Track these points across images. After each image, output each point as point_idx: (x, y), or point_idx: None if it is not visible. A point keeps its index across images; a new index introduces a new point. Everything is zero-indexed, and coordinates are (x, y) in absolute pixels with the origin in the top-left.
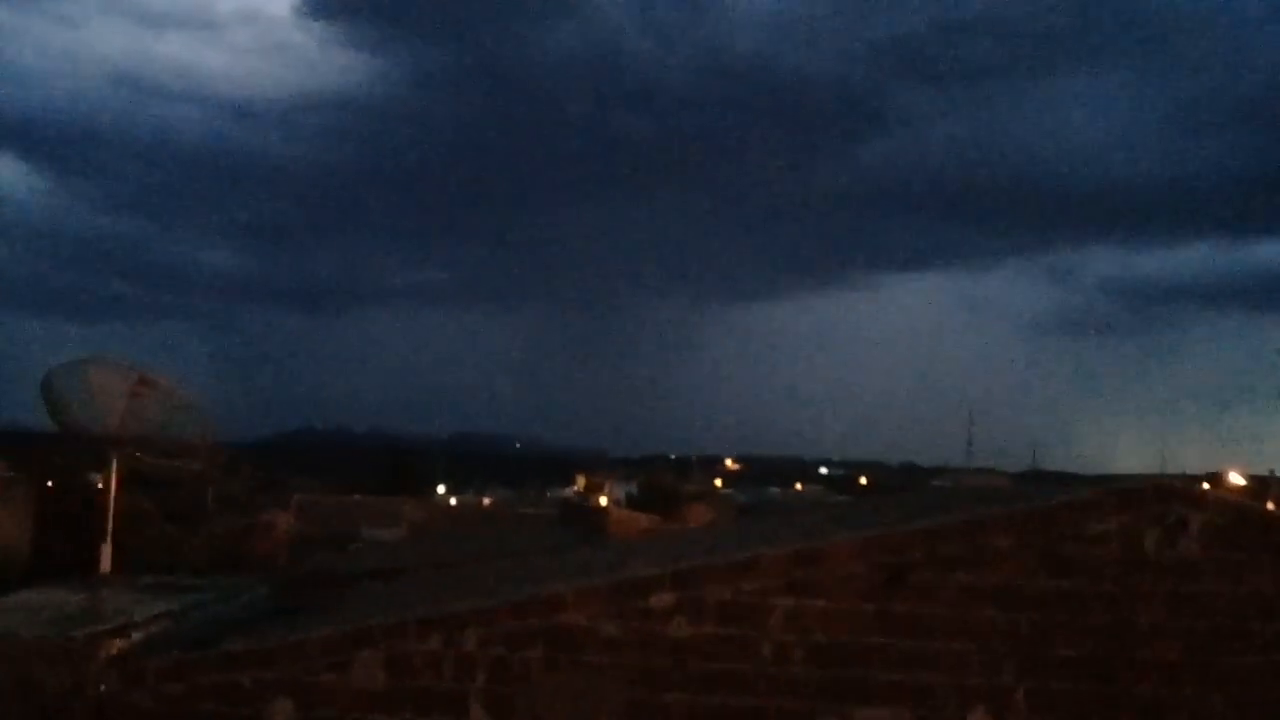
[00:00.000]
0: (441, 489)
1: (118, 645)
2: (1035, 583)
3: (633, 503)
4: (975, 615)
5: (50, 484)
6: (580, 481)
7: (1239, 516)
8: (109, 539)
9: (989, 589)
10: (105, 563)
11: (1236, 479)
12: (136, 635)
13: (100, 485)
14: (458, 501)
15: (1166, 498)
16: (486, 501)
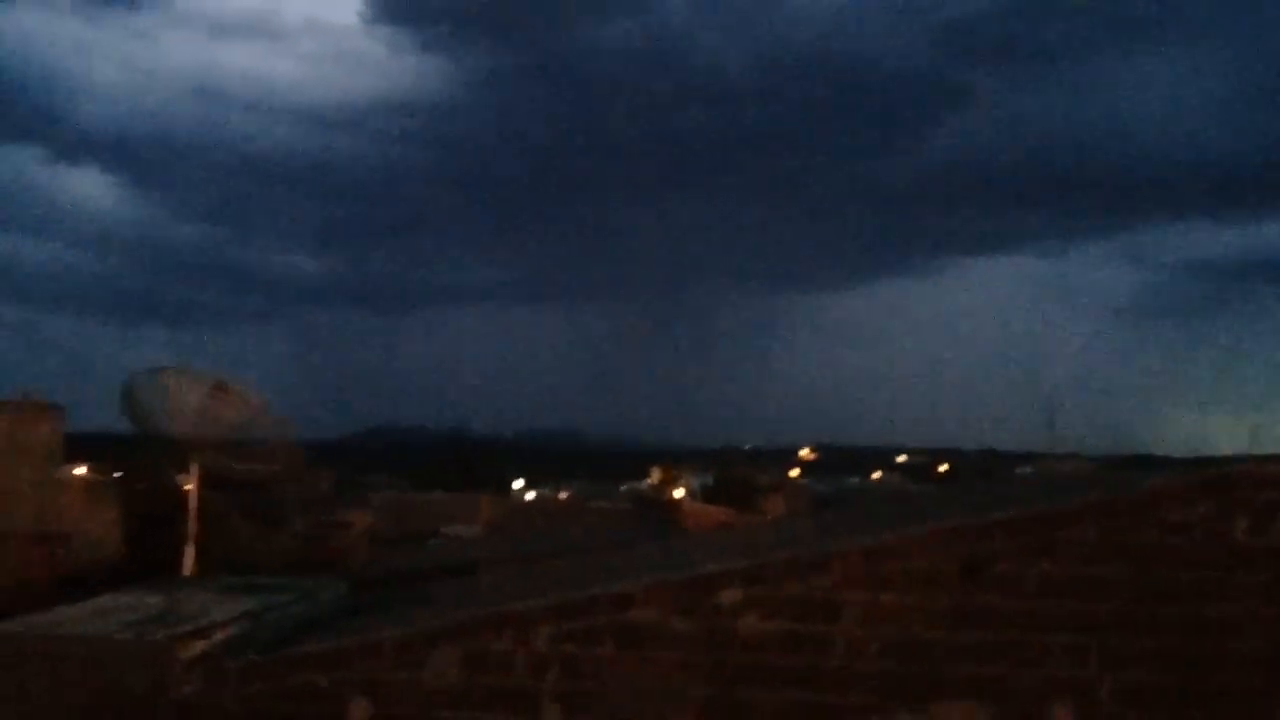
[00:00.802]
0: (518, 484)
1: (200, 646)
2: (1118, 573)
3: (708, 495)
4: (1056, 607)
5: (137, 485)
6: (655, 474)
7: None
8: (191, 541)
9: (1070, 580)
10: (188, 565)
11: None
12: (218, 636)
13: (186, 487)
14: (534, 496)
15: (1255, 484)
16: (562, 496)
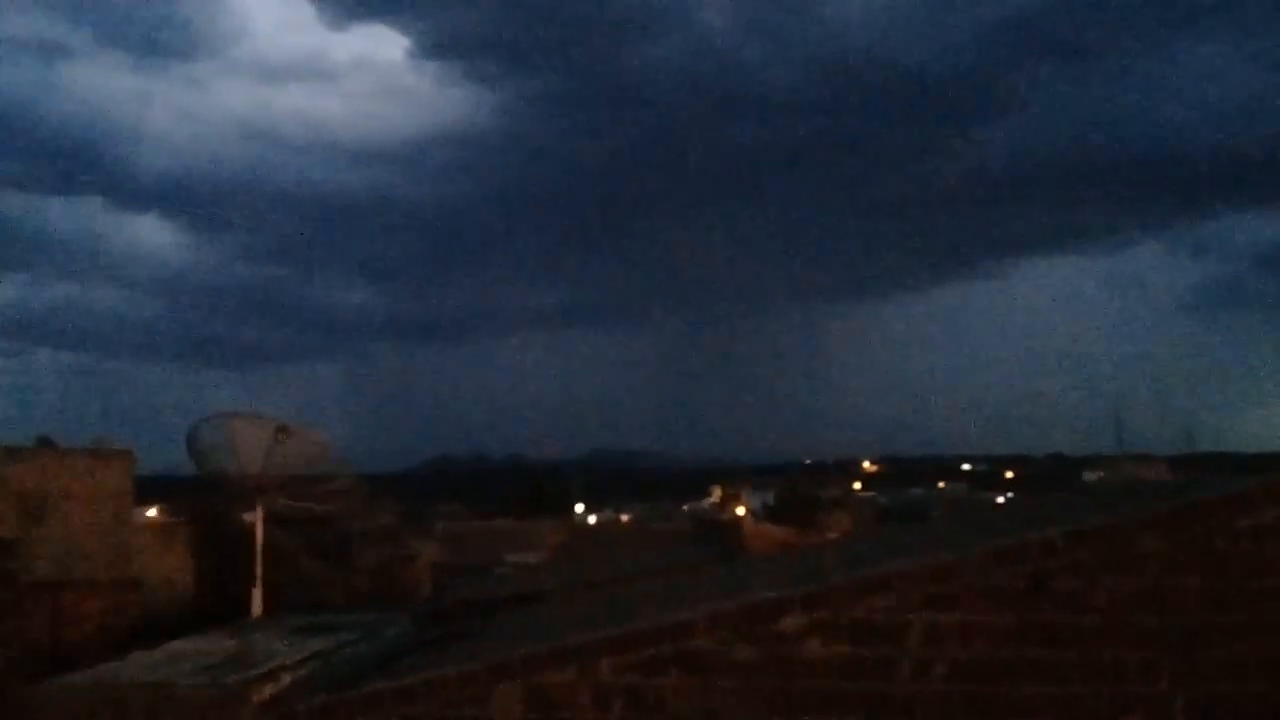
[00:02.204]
0: (580, 508)
1: (269, 690)
2: (1188, 583)
3: (770, 513)
4: (1125, 621)
5: (206, 527)
6: (716, 493)
7: None
8: (258, 583)
9: (1138, 594)
10: (256, 606)
11: None
12: (286, 678)
13: (253, 526)
14: (596, 520)
15: None
16: (624, 519)
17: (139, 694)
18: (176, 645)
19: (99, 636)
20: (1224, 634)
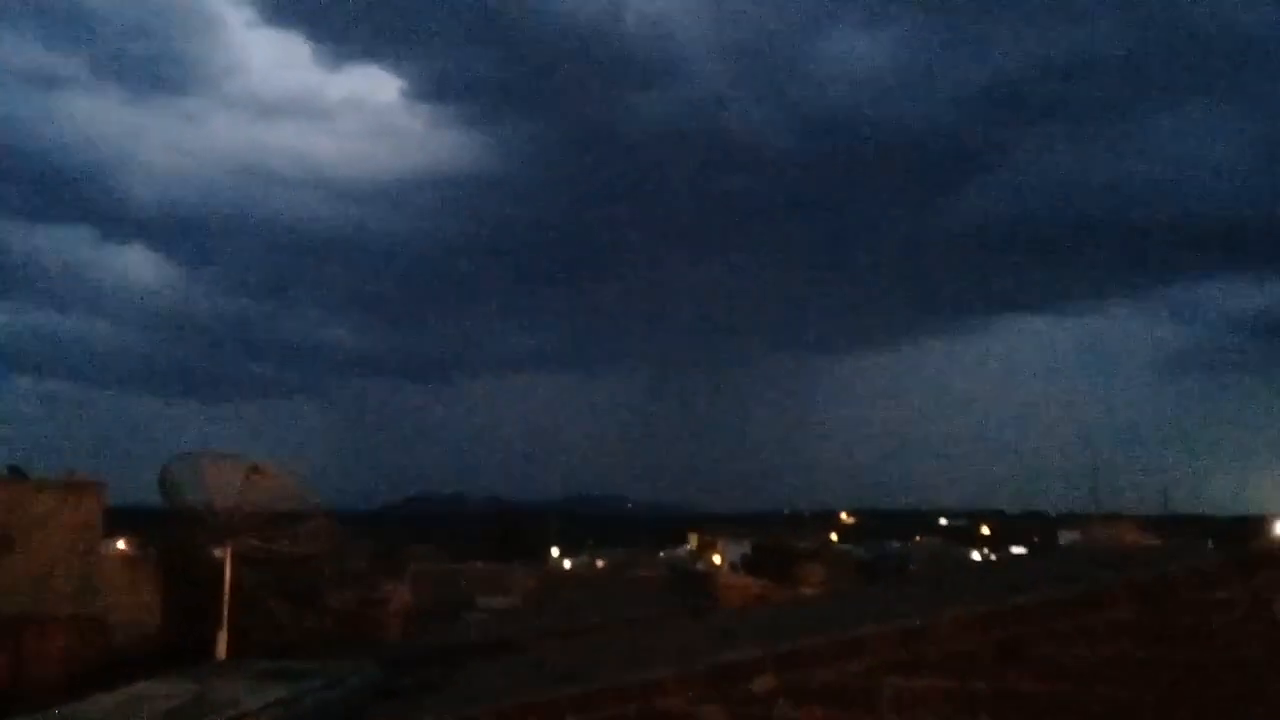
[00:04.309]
0: (555, 552)
1: None
2: (1157, 654)
3: (747, 564)
4: (1095, 690)
5: (175, 564)
6: (693, 541)
7: None
8: (224, 625)
9: (1106, 663)
10: (221, 649)
11: None
12: None
13: (222, 563)
14: (571, 564)
15: None
16: (600, 564)
17: None
18: (138, 688)
19: (61, 675)
20: (1194, 705)
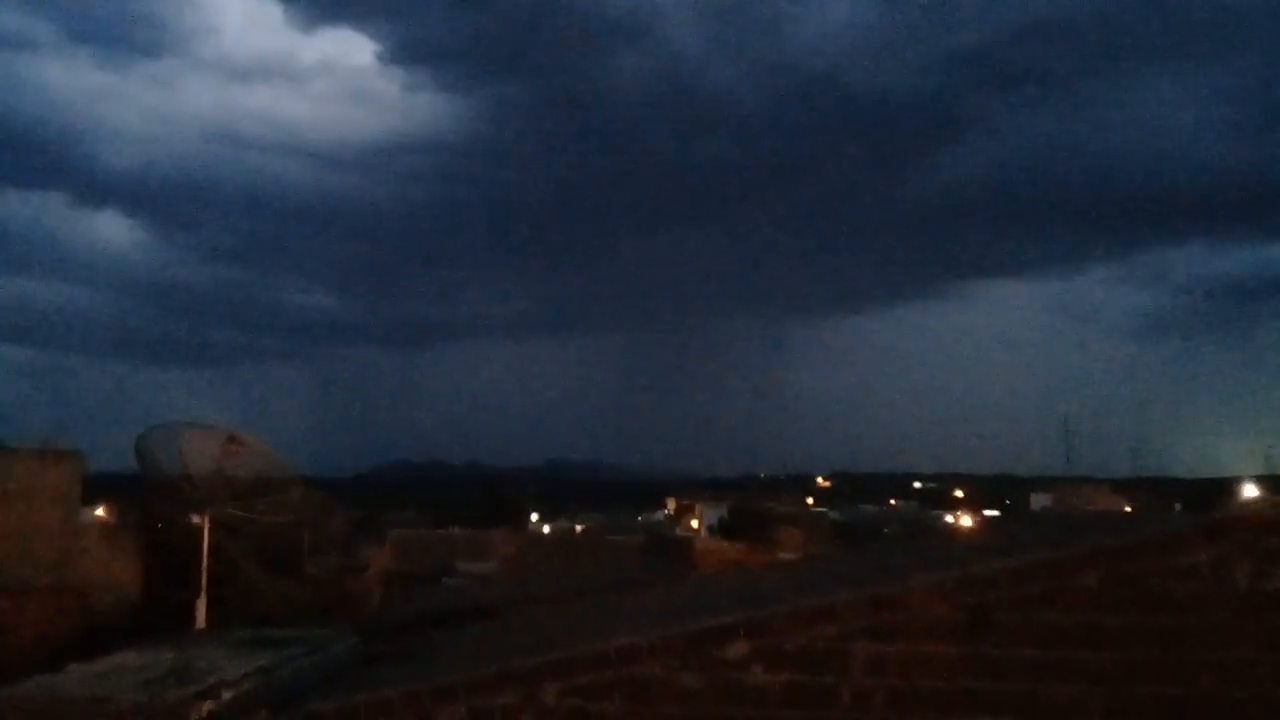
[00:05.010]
0: (535, 517)
1: (208, 707)
2: (1123, 620)
3: (724, 528)
4: (1062, 655)
5: (154, 532)
6: (671, 505)
7: None
8: (204, 593)
9: (1073, 629)
10: (200, 618)
11: None
12: (227, 695)
13: (202, 532)
14: (551, 530)
15: (1259, 528)
16: (579, 529)
17: (75, 708)
18: (117, 658)
19: (37, 645)
20: (1158, 671)
